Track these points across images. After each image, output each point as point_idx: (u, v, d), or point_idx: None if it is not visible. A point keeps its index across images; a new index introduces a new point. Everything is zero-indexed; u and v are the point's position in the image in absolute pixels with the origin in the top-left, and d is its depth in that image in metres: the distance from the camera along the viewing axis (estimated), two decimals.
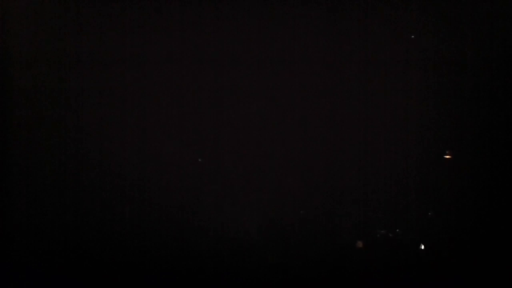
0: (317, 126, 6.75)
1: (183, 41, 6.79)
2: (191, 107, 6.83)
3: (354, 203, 6.63)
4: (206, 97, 6.83)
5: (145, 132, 6.79)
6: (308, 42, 6.79)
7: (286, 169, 6.79)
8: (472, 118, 6.60)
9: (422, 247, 6.47)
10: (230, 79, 6.81)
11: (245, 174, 6.79)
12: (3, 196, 6.59)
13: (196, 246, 6.58)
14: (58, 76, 6.75)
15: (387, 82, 6.68)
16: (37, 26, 6.75)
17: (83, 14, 6.77)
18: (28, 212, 6.60)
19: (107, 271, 6.42)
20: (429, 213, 6.59)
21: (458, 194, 6.56)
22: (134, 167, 6.74)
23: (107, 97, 6.77)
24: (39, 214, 6.60)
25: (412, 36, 6.61)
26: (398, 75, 6.70)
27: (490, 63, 6.59)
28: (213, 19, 6.80)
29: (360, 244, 6.49)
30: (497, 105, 6.54)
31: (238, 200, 6.75)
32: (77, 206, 6.64)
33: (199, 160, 6.73)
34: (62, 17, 6.76)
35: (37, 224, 6.59)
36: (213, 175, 6.79)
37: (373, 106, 6.72)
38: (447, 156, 6.60)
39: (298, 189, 6.76)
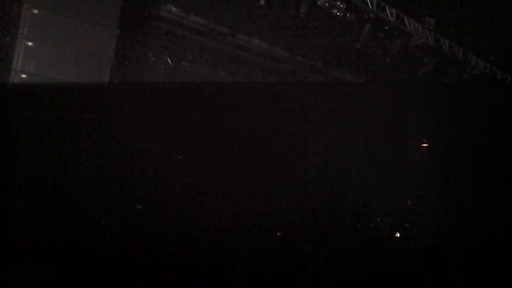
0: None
1: (183, 41, 6.80)
2: (192, 107, 6.84)
3: (333, 193, 6.66)
4: (206, 97, 6.84)
5: (146, 132, 6.80)
6: (308, 41, 6.80)
7: (288, 171, 6.79)
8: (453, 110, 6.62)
9: (398, 234, 6.51)
10: (231, 79, 6.82)
11: (245, 174, 6.79)
12: (3, 196, 6.60)
13: (196, 246, 6.58)
14: (58, 77, 6.76)
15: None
16: (37, 26, 6.75)
17: (83, 14, 6.77)
18: (28, 212, 6.61)
19: (106, 270, 6.42)
20: (408, 201, 6.64)
21: (437, 182, 6.59)
22: (135, 167, 6.74)
23: (107, 97, 6.78)
24: (39, 214, 6.61)
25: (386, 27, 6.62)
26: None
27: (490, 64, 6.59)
28: (213, 20, 6.81)
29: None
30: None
31: (238, 200, 6.75)
32: (77, 206, 6.64)
33: (179, 157, 6.74)
34: (62, 17, 6.77)
35: (37, 224, 6.59)
36: (213, 175, 6.80)
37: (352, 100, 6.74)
38: (424, 145, 6.64)
39: (299, 188, 6.76)
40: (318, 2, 7.05)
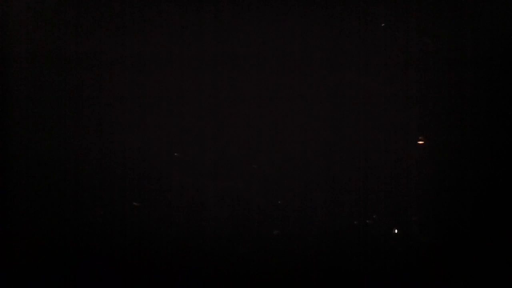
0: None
1: (183, 41, 6.79)
2: (192, 106, 6.82)
3: (326, 190, 6.64)
4: (207, 97, 6.83)
5: (146, 132, 6.79)
6: (308, 42, 6.79)
7: (285, 168, 6.79)
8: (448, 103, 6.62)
9: (396, 231, 6.51)
10: (230, 79, 6.81)
11: (245, 174, 6.79)
12: (3, 196, 6.59)
13: (197, 246, 6.58)
14: (58, 76, 6.75)
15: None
16: (37, 26, 6.75)
17: (83, 14, 6.76)
18: (28, 212, 6.60)
19: (107, 271, 6.43)
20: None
21: (432, 180, 6.58)
22: (135, 167, 6.73)
23: (107, 97, 6.77)
24: (39, 214, 6.60)
25: (383, 24, 6.61)
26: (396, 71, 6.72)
27: (490, 63, 6.60)
28: (213, 19, 6.80)
29: None
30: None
31: (239, 199, 6.75)
32: (77, 206, 6.63)
33: (175, 154, 6.72)
34: (62, 17, 6.76)
35: (37, 224, 6.59)
36: (214, 174, 6.79)
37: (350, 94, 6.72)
38: (420, 142, 6.63)
39: (299, 187, 6.76)
40: None
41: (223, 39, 6.76)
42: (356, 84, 6.71)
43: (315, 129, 6.69)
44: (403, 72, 6.68)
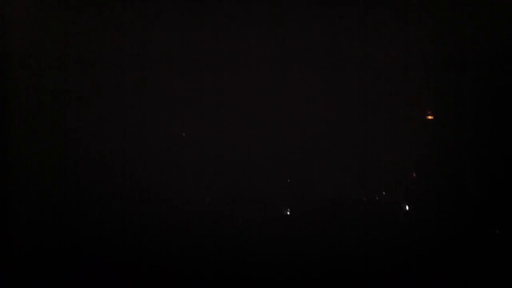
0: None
1: (183, 41, 6.80)
2: (192, 106, 6.83)
3: (332, 165, 6.66)
4: (207, 97, 6.84)
5: (146, 132, 6.80)
6: (308, 42, 6.80)
7: (285, 168, 6.80)
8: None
9: (407, 207, 6.51)
10: (230, 78, 6.82)
11: (246, 173, 6.80)
12: (3, 196, 6.60)
13: (197, 246, 6.59)
14: (58, 76, 6.76)
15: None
16: (37, 26, 6.76)
17: (83, 14, 6.78)
18: (28, 212, 6.61)
19: (107, 271, 6.44)
20: (414, 174, 6.61)
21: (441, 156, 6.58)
22: (135, 167, 6.74)
23: (107, 97, 6.78)
24: (39, 214, 6.61)
25: None
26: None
27: (490, 63, 6.60)
28: (213, 19, 6.81)
29: None
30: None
31: (238, 199, 6.76)
32: (77, 206, 6.64)
33: (183, 134, 6.73)
34: (62, 17, 6.77)
35: (37, 224, 6.59)
36: (214, 174, 6.80)
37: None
38: (429, 117, 6.61)
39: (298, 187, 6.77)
40: None
41: (224, 39, 6.77)
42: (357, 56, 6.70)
43: (318, 105, 6.70)
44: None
